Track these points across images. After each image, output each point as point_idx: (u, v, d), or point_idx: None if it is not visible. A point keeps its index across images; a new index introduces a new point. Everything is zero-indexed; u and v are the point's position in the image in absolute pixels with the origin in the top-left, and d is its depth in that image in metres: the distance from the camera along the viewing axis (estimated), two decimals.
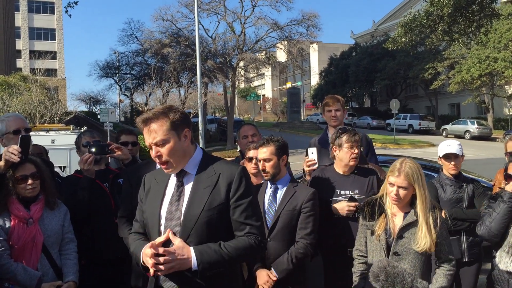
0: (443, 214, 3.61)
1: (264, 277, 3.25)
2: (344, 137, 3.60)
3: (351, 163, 3.60)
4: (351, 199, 3.52)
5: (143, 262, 2.21)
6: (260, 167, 3.40)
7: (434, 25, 26.23)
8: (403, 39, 27.42)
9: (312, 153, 3.82)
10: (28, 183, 3.06)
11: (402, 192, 2.92)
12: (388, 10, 64.90)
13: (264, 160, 3.37)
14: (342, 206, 3.51)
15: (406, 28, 26.73)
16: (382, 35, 50.71)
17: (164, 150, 2.23)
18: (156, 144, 2.23)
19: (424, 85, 42.12)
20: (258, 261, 3.31)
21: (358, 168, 3.67)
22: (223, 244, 2.18)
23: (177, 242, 2.16)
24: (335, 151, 3.67)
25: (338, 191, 3.60)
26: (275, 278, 3.23)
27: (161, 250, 2.13)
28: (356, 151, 3.58)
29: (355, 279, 3.14)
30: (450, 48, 34.87)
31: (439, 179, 3.89)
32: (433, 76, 37.23)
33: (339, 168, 3.68)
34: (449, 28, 26.36)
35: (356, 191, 3.54)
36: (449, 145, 3.83)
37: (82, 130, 14.91)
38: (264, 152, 3.37)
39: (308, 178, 3.87)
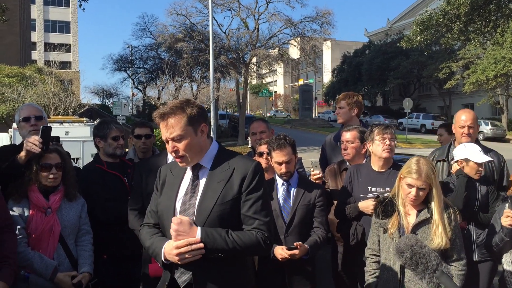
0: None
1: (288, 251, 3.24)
2: (376, 130, 3.59)
3: (384, 155, 3.54)
4: (378, 197, 3.48)
5: (164, 258, 2.24)
6: (284, 170, 3.42)
7: (450, 24, 25.90)
8: (418, 37, 27.12)
9: (316, 166, 3.81)
10: (51, 173, 3.11)
11: (421, 193, 2.90)
12: (403, 8, 64.39)
13: (287, 162, 3.41)
14: (367, 205, 3.45)
15: (422, 27, 26.43)
16: (396, 33, 50.27)
17: (180, 145, 2.25)
18: (173, 139, 2.25)
19: (437, 85, 41.70)
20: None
21: (396, 164, 3.60)
22: (230, 231, 2.20)
23: (184, 219, 2.18)
24: (369, 146, 3.66)
25: (369, 188, 3.58)
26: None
27: (176, 220, 2.17)
28: (389, 142, 3.54)
29: (367, 278, 3.13)
30: (465, 48, 34.47)
31: (450, 180, 3.83)
32: (447, 76, 36.82)
33: (374, 163, 3.65)
34: (465, 27, 26.03)
35: (388, 189, 3.42)
36: (481, 151, 3.72)
37: (95, 122, 15.04)
38: (286, 154, 3.40)
39: None
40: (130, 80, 51.04)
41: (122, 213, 3.48)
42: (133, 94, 53.67)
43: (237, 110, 36.17)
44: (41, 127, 3.09)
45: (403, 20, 55.73)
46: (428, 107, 49.22)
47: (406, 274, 2.89)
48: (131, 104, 48.07)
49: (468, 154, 3.68)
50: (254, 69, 35.87)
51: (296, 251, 3.21)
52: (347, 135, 3.92)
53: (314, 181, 3.78)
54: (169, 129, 2.24)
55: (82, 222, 3.31)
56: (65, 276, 3.05)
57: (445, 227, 2.85)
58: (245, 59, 32.18)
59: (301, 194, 3.46)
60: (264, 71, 41.30)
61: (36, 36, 57.90)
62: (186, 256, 2.15)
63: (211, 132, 23.21)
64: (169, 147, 2.28)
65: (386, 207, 3.03)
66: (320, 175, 3.77)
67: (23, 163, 3.05)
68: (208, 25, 27.92)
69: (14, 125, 14.24)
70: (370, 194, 3.54)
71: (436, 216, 2.87)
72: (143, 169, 3.35)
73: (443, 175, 4.10)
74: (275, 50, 33.99)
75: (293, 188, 3.50)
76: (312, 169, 3.81)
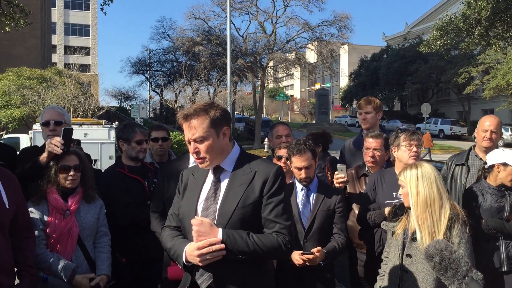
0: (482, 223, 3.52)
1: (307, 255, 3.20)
2: (402, 136, 3.55)
3: (411, 161, 3.48)
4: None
5: (185, 260, 2.24)
6: (303, 175, 3.39)
7: (471, 29, 25.49)
8: (438, 42, 26.77)
9: (342, 170, 3.72)
10: (69, 174, 3.11)
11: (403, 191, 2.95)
12: (422, 13, 63.73)
13: (306, 167, 3.38)
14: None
15: (442, 31, 26.09)
16: (415, 37, 49.83)
17: (202, 147, 2.26)
18: (195, 140, 2.26)
19: (456, 90, 41.21)
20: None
21: None
22: (251, 233, 2.20)
23: (205, 220, 2.20)
24: (394, 152, 3.61)
25: (394, 194, 3.53)
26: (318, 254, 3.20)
27: (196, 221, 2.19)
28: (415, 149, 3.50)
29: (378, 279, 3.14)
30: (485, 53, 34.00)
31: (479, 186, 3.73)
32: (466, 81, 36.38)
33: (399, 169, 3.57)
34: (486, 32, 25.62)
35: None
36: None
37: (114, 124, 15.18)
38: (305, 160, 3.37)
39: None
40: (148, 83, 51.48)
41: (142, 217, 3.48)
42: (150, 97, 54.11)
43: (254, 113, 36.22)
44: (63, 128, 3.12)
45: (422, 25, 55.23)
46: (447, 112, 48.68)
47: (404, 277, 2.88)
48: (148, 107, 48.50)
49: (508, 158, 3.58)
50: (271, 72, 35.91)
51: (311, 256, 3.17)
52: (374, 143, 3.82)
53: (337, 184, 3.71)
54: (192, 130, 2.26)
55: (100, 224, 3.31)
56: (83, 278, 3.05)
57: (430, 233, 2.77)
58: (262, 63, 32.24)
59: (321, 199, 3.42)
60: (281, 75, 41.35)
61: (56, 39, 58.86)
62: (207, 257, 2.15)
63: None
64: (191, 148, 2.30)
65: (396, 211, 3.07)
66: (345, 179, 3.69)
67: (45, 164, 3.08)
68: (225, 29, 28.07)
69: (35, 126, 14.49)
70: (396, 200, 3.48)
71: (412, 219, 2.86)
72: (165, 172, 3.37)
73: (462, 179, 4.05)
74: (292, 54, 33.99)
75: (312, 194, 3.47)
76: (336, 172, 3.74)
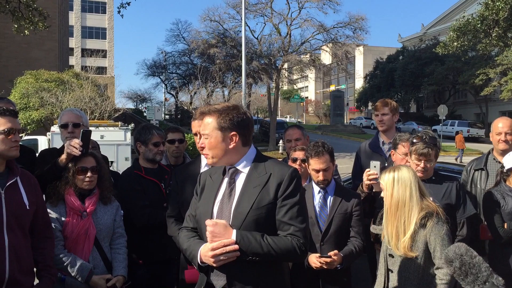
0: (505, 226, 3.47)
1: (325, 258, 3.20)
2: (414, 147, 3.43)
3: (418, 174, 3.35)
4: None
5: (200, 261, 2.26)
6: (321, 177, 3.37)
7: (489, 30, 25.17)
8: (455, 43, 26.48)
9: (375, 166, 3.58)
10: (87, 176, 3.14)
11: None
12: (438, 14, 63.12)
13: (324, 170, 3.36)
14: None
15: (459, 33, 25.78)
16: (431, 39, 49.34)
17: (206, 143, 2.36)
18: (202, 135, 2.40)
19: (474, 91, 40.68)
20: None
21: (437, 174, 3.50)
22: (265, 235, 2.21)
23: (220, 222, 2.23)
24: (409, 158, 3.54)
25: None
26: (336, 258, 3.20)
27: (211, 222, 2.22)
28: (423, 165, 3.37)
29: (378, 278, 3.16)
30: (503, 54, 33.51)
31: (500, 190, 3.64)
32: (484, 82, 35.89)
33: None
34: (504, 33, 25.27)
35: (430, 199, 3.25)
36: None
37: (130, 126, 15.31)
38: (323, 162, 3.34)
39: (365, 189, 3.64)
40: (163, 85, 51.85)
41: (158, 219, 3.51)
42: (165, 99, 54.45)
43: (268, 115, 36.21)
44: (82, 130, 3.17)
45: (438, 26, 54.69)
46: (464, 114, 48.08)
47: (390, 277, 2.99)
48: (163, 109, 48.79)
49: None
50: (286, 74, 35.84)
51: (329, 259, 3.16)
52: (403, 149, 3.70)
53: (368, 181, 3.56)
54: (202, 126, 2.39)
55: (116, 225, 3.34)
56: (100, 279, 3.08)
57: (397, 234, 2.89)
58: (277, 65, 32.20)
59: (338, 202, 3.39)
60: (295, 77, 41.29)
61: (74, 42, 59.70)
62: (221, 258, 2.17)
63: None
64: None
65: (383, 214, 3.09)
66: (377, 176, 3.53)
67: (64, 166, 3.13)
68: (240, 31, 28.12)
69: (52, 128, 14.70)
70: None
71: (383, 222, 2.98)
72: (179, 176, 3.38)
73: (481, 184, 3.98)
74: (307, 56, 33.89)
75: (330, 196, 3.43)
76: (368, 170, 3.59)
